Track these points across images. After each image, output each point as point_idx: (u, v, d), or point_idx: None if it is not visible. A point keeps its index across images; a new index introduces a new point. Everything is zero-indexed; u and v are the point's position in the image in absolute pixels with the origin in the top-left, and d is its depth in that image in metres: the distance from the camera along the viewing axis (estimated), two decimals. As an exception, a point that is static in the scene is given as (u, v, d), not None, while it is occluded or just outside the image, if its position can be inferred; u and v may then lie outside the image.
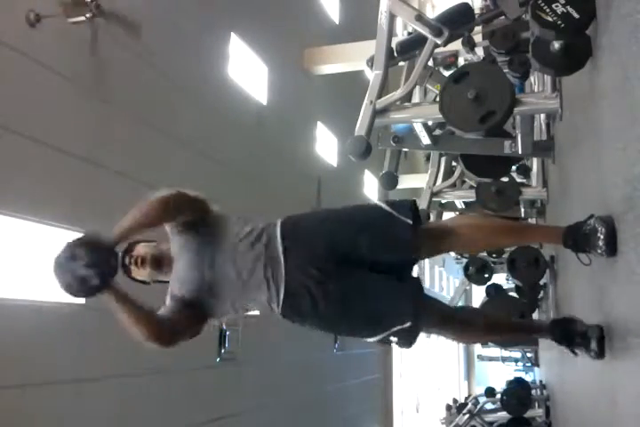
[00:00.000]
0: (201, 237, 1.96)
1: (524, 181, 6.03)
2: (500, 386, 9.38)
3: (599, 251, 1.75)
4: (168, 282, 2.03)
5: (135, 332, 1.79)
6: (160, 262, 2.05)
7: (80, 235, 1.73)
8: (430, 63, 4.05)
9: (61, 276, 1.65)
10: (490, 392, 8.70)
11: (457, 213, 6.61)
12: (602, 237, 1.73)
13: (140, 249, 2.08)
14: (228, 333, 6.53)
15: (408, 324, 1.83)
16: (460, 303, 8.41)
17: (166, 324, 1.87)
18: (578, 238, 1.87)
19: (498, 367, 17.42)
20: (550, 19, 1.84)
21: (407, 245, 1.93)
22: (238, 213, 2.07)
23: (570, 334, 2.03)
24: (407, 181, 10.97)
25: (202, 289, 1.93)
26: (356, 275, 1.91)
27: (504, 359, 13.07)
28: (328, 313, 1.87)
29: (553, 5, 1.85)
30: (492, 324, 2.25)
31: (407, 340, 1.89)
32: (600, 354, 1.88)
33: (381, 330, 1.87)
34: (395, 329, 1.85)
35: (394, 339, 1.88)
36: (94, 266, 1.64)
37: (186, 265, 1.96)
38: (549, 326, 2.15)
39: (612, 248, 1.70)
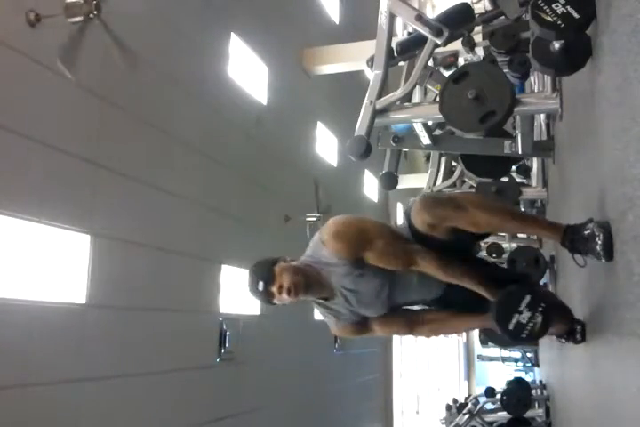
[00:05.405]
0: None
1: (524, 181, 6.03)
2: (500, 386, 9.38)
3: (596, 255, 1.79)
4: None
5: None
6: (309, 288, 2.13)
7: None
8: (430, 63, 4.04)
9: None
10: (490, 392, 8.70)
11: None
12: (600, 242, 1.77)
13: (288, 278, 2.09)
14: (228, 333, 6.52)
15: None
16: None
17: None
18: (576, 240, 1.91)
19: (498, 367, 17.43)
20: (550, 19, 1.84)
21: None
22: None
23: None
24: (407, 181, 10.97)
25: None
26: None
27: (504, 359, 13.06)
28: None
29: (553, 5, 1.84)
30: None
31: None
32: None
33: None
34: None
35: None
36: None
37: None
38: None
39: (609, 254, 1.74)
